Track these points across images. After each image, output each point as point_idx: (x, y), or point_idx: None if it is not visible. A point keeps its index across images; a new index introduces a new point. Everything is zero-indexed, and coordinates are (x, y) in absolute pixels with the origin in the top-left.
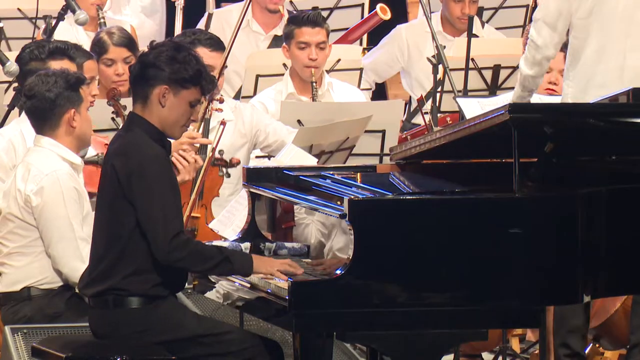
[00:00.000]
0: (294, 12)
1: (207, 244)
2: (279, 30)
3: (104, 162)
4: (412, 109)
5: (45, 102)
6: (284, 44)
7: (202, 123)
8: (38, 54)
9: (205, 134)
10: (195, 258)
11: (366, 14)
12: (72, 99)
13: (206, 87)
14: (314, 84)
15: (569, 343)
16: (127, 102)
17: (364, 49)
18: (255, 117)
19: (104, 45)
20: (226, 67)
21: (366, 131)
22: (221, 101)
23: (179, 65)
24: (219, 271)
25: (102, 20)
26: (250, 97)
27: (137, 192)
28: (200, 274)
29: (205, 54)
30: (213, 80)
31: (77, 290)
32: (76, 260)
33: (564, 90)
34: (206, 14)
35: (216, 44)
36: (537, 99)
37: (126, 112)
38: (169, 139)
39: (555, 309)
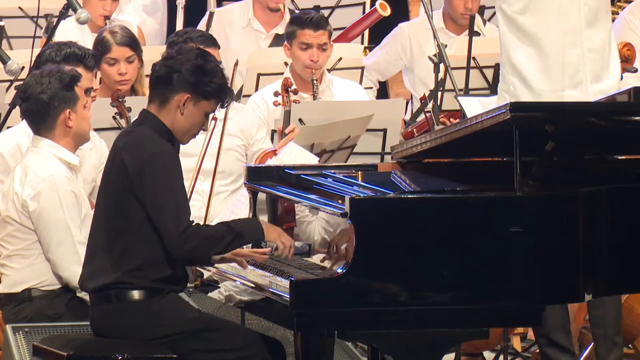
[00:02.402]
0: (295, 10)
1: (214, 224)
2: (280, 29)
3: (111, 156)
4: (415, 109)
5: (40, 104)
6: (286, 42)
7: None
8: (54, 56)
9: None
10: (209, 243)
11: None
12: (67, 99)
13: (225, 101)
14: (315, 81)
15: (557, 340)
16: (131, 102)
17: (365, 47)
18: (256, 125)
19: (107, 45)
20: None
21: (367, 130)
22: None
23: (205, 77)
24: (233, 247)
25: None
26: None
27: (148, 187)
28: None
29: None
30: (231, 93)
31: (77, 294)
32: (75, 264)
33: (502, 90)
34: (207, 13)
35: (209, 41)
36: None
37: (130, 114)
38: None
39: None
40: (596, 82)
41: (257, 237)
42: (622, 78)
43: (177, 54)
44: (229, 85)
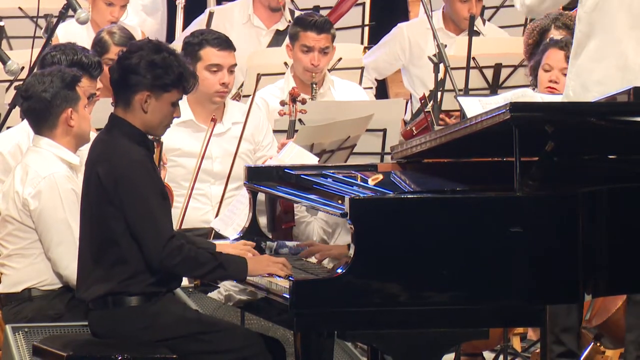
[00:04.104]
0: (295, 10)
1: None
2: (280, 25)
3: (88, 166)
4: (414, 109)
5: (42, 103)
6: (288, 42)
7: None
8: (60, 59)
9: None
10: (189, 264)
11: (367, 14)
12: (68, 98)
13: (188, 88)
14: (314, 85)
15: (564, 341)
16: None
17: (365, 48)
18: (264, 131)
19: (105, 45)
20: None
21: (367, 130)
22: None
23: (160, 70)
24: (213, 277)
25: None
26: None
27: (125, 200)
28: (195, 279)
29: (214, 54)
30: (195, 78)
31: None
32: (76, 262)
33: (567, 85)
34: (207, 12)
35: (224, 43)
36: (538, 97)
37: None
38: (152, 139)
39: (550, 308)
40: None
41: (239, 276)
42: None
43: (129, 54)
44: (188, 70)
